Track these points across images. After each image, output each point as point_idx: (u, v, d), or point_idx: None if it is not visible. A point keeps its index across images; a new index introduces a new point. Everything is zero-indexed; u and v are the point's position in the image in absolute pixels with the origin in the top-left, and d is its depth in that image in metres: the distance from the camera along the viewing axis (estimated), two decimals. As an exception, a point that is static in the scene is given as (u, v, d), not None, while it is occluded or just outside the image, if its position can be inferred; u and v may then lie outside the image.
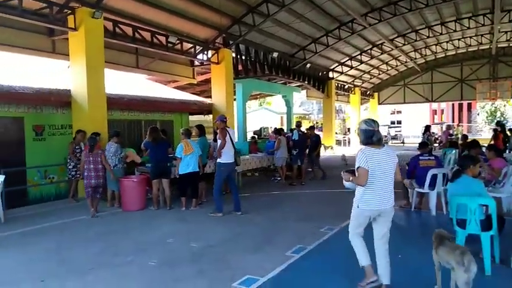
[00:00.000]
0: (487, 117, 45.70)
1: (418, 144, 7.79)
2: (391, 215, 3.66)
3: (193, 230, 6.13)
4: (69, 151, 8.24)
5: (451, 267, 3.24)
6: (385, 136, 30.88)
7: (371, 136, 3.51)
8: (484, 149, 7.82)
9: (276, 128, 13.35)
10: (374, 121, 3.61)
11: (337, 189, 9.58)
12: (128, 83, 12.45)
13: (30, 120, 8.48)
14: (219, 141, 6.91)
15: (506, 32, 19.73)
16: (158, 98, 11.54)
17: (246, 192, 9.14)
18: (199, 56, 12.72)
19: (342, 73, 22.19)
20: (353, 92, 25.99)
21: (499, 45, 21.82)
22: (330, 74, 21.78)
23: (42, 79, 9.21)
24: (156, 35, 10.71)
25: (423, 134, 18.02)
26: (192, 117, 13.59)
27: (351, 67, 21.75)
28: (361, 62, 21.60)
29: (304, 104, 40.95)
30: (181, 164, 7.32)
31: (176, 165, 7.51)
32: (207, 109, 13.19)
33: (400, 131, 36.49)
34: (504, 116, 45.42)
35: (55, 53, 9.75)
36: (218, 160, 6.92)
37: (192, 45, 12.06)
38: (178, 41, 11.43)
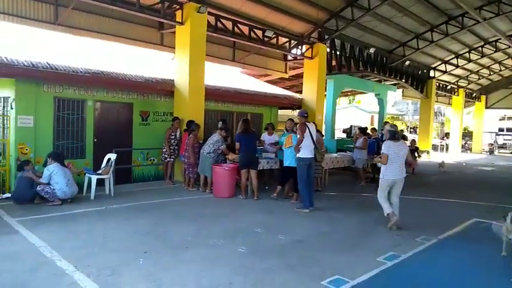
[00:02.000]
0: None
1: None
2: (402, 182, 5.89)
3: (281, 222, 6.17)
4: (165, 136, 8.92)
5: None
6: (491, 144, 27.55)
7: (394, 135, 5.86)
8: None
9: (360, 126, 12.74)
10: (395, 125, 6.27)
11: (430, 197, 8.88)
12: (223, 75, 13.00)
13: (138, 106, 9.35)
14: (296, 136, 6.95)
15: None
16: (250, 91, 11.84)
17: (332, 191, 8.94)
18: (294, 51, 12.72)
19: (445, 72, 20.32)
20: (456, 94, 23.68)
21: None
22: (431, 73, 20.10)
23: (149, 69, 10.08)
24: (254, 29, 10.96)
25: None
26: (281, 112, 13.68)
27: (457, 66, 19.79)
28: (469, 61, 19.51)
29: (398, 104, 38.50)
30: (284, 156, 7.55)
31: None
32: (297, 104, 13.15)
33: (510, 140, 32.22)
34: None
35: (163, 45, 10.58)
36: (297, 155, 6.91)
37: (287, 39, 12.10)
38: (274, 35, 11.55)
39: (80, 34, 9.17)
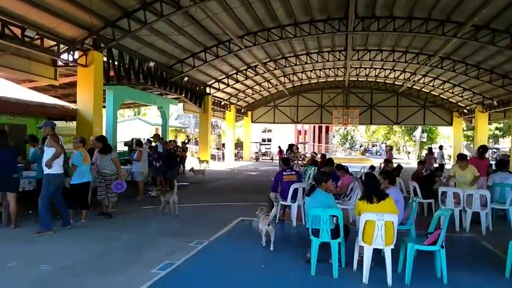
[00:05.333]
0: (340, 139, 52.77)
1: (280, 161, 8.50)
2: None
3: (46, 250, 5.36)
4: None
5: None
6: (256, 152, 32.76)
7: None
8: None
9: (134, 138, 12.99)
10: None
11: (204, 203, 9.70)
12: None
13: None
14: (49, 150, 6.24)
15: (355, 68, 23.25)
16: (7, 98, 9.90)
17: (112, 208, 8.46)
18: (64, 56, 11.43)
19: (218, 90, 22.78)
20: (229, 109, 26.90)
21: (350, 79, 25.53)
22: (207, 90, 22.13)
23: None
24: (9, 26, 9.24)
25: (287, 151, 19.80)
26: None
27: (227, 85, 22.53)
28: (237, 81, 22.57)
29: (181, 117, 40.54)
30: (77, 173, 6.83)
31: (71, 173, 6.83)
32: (71, 115, 11.87)
33: (270, 148, 39.18)
34: (353, 139, 53.17)
35: None
36: (47, 171, 6.21)
37: (55, 42, 10.79)
38: (37, 36, 10.07)
39: None
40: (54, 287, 4.07)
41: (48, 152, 6.26)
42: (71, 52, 11.40)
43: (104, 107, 13.61)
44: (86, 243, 5.77)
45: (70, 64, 12.10)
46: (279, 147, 24.12)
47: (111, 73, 13.21)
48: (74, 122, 11.94)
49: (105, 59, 12.54)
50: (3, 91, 10.35)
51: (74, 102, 12.36)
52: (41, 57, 11.68)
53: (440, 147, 19.71)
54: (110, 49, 12.63)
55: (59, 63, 12.66)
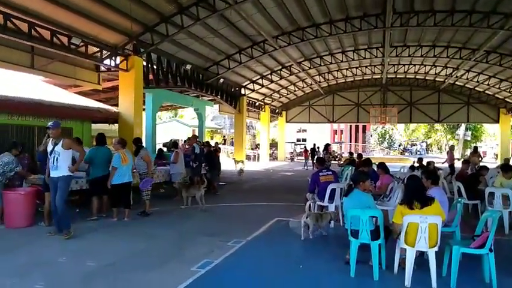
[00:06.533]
0: (378, 138, 51.38)
1: (315, 160, 8.39)
2: None
3: (92, 247, 5.64)
4: None
5: None
6: (291, 153, 32.58)
7: None
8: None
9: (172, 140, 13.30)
10: None
11: (241, 203, 9.79)
12: (19, 83, 11.14)
13: None
14: (67, 152, 6.09)
15: (394, 65, 22.56)
16: (55, 103, 10.50)
17: (153, 207, 8.73)
18: (107, 62, 11.96)
19: (253, 90, 22.91)
20: (263, 110, 26.97)
21: (388, 76, 24.80)
22: (242, 91, 22.33)
23: None
24: (58, 35, 9.80)
25: (323, 151, 19.58)
26: (95, 126, 12.65)
27: (262, 85, 22.61)
28: (271, 81, 22.59)
29: (217, 118, 41.19)
30: (117, 174, 7.15)
31: (111, 175, 7.20)
32: (113, 117, 12.40)
33: (304, 149, 38.79)
34: (392, 138, 51.61)
35: None
36: (67, 173, 6.05)
37: (98, 49, 11.32)
38: (82, 44, 10.61)
39: None
40: (100, 282, 4.27)
41: (66, 155, 6.07)
42: (113, 58, 11.90)
43: (144, 109, 14.09)
44: (128, 241, 5.99)
45: (112, 69, 12.66)
46: (305, 146, 24.30)
47: (150, 77, 13.65)
48: (116, 125, 12.46)
49: (144, 63, 12.98)
50: (51, 96, 10.99)
51: (116, 105, 12.91)
52: (85, 63, 12.28)
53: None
54: (149, 53, 13.06)
55: (102, 68, 13.25)
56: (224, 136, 41.13)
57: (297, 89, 26.65)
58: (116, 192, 7.25)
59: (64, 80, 12.73)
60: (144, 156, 8.11)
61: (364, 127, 50.71)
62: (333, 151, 31.19)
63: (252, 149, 32.55)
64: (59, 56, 10.80)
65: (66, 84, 13.60)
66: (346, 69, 23.70)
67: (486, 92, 25.07)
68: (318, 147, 24.98)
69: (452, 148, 18.05)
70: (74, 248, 5.55)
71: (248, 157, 27.00)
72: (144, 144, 12.80)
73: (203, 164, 11.12)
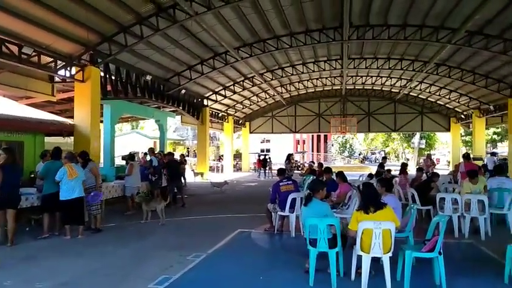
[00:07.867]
0: (339, 147, 52.82)
1: (276, 171, 8.48)
2: None
3: (43, 267, 5.32)
4: None
5: None
6: (255, 163, 32.67)
7: None
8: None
9: (130, 152, 13.11)
10: None
11: (203, 216, 9.66)
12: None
13: None
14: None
15: (352, 77, 23.39)
16: (3, 115, 9.91)
17: (109, 223, 8.41)
18: (61, 72, 11.50)
19: (216, 101, 22.86)
20: (226, 121, 26.95)
21: (347, 87, 25.66)
22: (205, 102, 22.21)
23: None
24: (6, 43, 9.32)
25: (285, 161, 19.80)
26: (48, 139, 12.05)
27: (225, 96, 22.61)
28: (234, 92, 22.65)
29: (179, 130, 40.62)
30: (64, 189, 6.81)
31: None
32: (68, 130, 11.88)
33: (268, 159, 39.02)
34: (352, 147, 53.24)
35: None
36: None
37: (52, 59, 10.87)
38: (35, 53, 10.15)
39: None
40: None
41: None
42: (68, 68, 11.47)
43: (102, 121, 13.65)
44: (83, 259, 5.72)
45: (67, 80, 12.17)
46: (258, 155, 24.96)
47: (108, 87, 13.26)
48: (71, 137, 11.96)
49: (102, 73, 12.60)
50: (0, 108, 10.37)
51: (72, 117, 12.40)
52: (38, 73, 11.75)
53: (493, 154, 19.07)
54: (107, 64, 12.71)
55: (56, 79, 12.71)
56: (188, 148, 40.61)
57: (259, 99, 26.89)
58: (67, 208, 6.90)
59: (15, 92, 12.12)
60: (93, 169, 7.81)
61: (325, 137, 51.94)
62: (296, 161, 31.67)
63: (216, 160, 32.36)
64: (8, 66, 10.26)
65: (17, 95, 12.93)
66: (307, 80, 24.25)
67: (438, 102, 26.56)
68: (270, 157, 27.66)
69: (429, 156, 18.90)
70: (22, 269, 5.21)
71: (212, 168, 26.79)
72: (101, 157, 12.45)
73: (163, 174, 10.92)
